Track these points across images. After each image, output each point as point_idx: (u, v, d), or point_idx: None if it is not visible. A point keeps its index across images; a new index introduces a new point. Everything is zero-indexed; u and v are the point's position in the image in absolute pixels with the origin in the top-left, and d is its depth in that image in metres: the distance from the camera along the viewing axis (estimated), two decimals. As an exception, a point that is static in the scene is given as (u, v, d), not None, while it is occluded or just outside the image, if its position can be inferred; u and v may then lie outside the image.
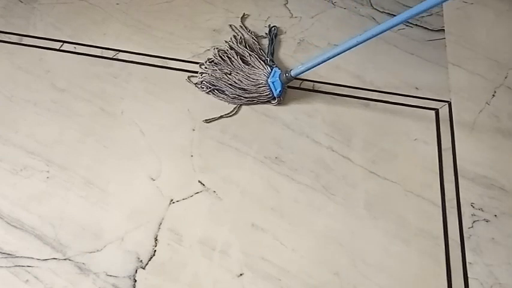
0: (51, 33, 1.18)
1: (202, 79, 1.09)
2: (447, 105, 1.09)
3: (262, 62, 1.10)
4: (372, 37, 0.90)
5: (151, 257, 0.86)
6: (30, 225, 0.89)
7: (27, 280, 0.83)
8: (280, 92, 1.04)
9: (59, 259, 0.85)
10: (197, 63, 1.13)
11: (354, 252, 0.88)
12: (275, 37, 1.17)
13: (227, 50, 1.13)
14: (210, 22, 1.22)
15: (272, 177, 0.96)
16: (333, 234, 0.90)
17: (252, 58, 1.11)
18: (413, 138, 1.03)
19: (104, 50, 1.15)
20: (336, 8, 1.27)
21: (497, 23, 1.25)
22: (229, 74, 1.08)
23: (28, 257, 0.85)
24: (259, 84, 1.05)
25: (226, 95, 1.06)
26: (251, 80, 1.06)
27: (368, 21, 1.24)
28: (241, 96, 1.06)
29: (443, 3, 0.83)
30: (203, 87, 1.08)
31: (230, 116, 1.04)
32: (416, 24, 1.24)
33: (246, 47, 1.14)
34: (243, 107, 1.06)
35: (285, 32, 1.21)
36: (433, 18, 1.25)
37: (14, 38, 1.16)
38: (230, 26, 1.19)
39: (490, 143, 1.03)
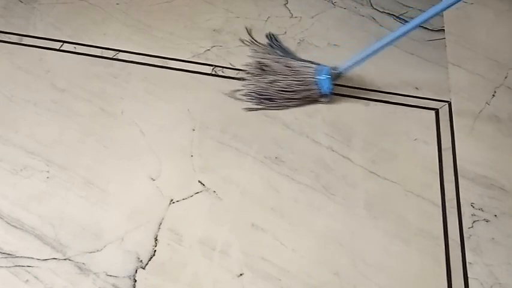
0: (51, 33, 1.18)
1: (249, 90, 1.07)
2: (447, 105, 1.09)
3: (304, 62, 1.09)
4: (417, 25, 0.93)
5: (151, 257, 0.86)
6: (30, 225, 0.89)
7: (27, 280, 0.82)
8: (330, 88, 1.03)
9: (59, 259, 0.85)
10: (197, 63, 1.13)
11: (354, 252, 0.88)
12: (277, 40, 1.17)
13: (260, 60, 1.10)
14: (210, 22, 1.22)
15: (272, 177, 0.96)
16: (333, 234, 0.90)
17: (290, 61, 1.09)
18: (413, 138, 1.03)
19: (104, 50, 1.15)
20: (336, 8, 1.27)
21: (497, 23, 1.25)
22: (275, 82, 1.05)
23: (28, 257, 0.85)
24: (308, 82, 1.04)
25: (276, 102, 1.05)
26: (299, 80, 1.04)
27: (368, 21, 1.24)
28: (292, 99, 1.04)
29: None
30: (252, 99, 1.06)
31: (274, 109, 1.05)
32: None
33: (276, 53, 1.12)
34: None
35: (285, 32, 1.21)
36: (433, 18, 1.25)
37: (14, 38, 1.16)
38: (241, 40, 1.17)
39: (490, 143, 1.03)
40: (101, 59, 1.14)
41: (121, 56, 1.14)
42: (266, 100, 1.05)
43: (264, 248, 0.88)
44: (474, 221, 0.92)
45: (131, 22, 1.21)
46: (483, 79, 1.14)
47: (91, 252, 0.86)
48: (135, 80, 1.10)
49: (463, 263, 0.88)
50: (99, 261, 0.85)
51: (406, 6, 1.28)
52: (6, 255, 0.85)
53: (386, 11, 1.27)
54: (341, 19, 1.24)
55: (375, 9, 1.27)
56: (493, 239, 0.90)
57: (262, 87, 1.06)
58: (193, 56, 1.15)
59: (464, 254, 0.89)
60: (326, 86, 1.02)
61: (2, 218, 0.89)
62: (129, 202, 0.92)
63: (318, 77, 1.03)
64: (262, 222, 0.91)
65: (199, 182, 0.95)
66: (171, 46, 1.16)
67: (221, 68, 1.13)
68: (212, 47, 1.17)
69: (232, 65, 1.13)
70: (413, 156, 1.01)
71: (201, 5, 1.26)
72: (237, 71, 1.12)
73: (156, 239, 0.88)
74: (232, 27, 1.21)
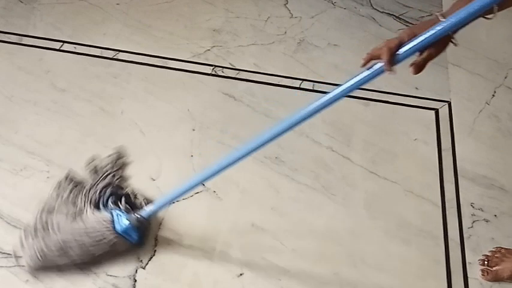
0: (51, 33, 1.18)
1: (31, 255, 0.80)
2: (447, 105, 1.09)
3: (97, 211, 0.84)
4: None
5: (151, 257, 0.86)
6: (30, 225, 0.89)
7: (27, 280, 0.82)
8: (140, 236, 0.84)
9: (59, 259, 0.85)
10: (197, 63, 1.13)
11: (354, 252, 0.88)
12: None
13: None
14: (210, 22, 1.22)
15: (272, 177, 0.96)
16: (333, 234, 0.90)
17: (78, 217, 0.83)
18: (413, 138, 1.03)
19: (103, 50, 1.15)
20: (336, 8, 1.27)
21: (497, 23, 1.25)
22: (64, 247, 0.80)
23: (28, 257, 0.85)
24: (107, 238, 0.81)
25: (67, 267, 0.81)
26: (94, 239, 0.80)
27: (368, 21, 1.24)
28: (88, 261, 0.81)
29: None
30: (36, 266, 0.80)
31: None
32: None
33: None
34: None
35: (285, 32, 1.21)
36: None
37: (14, 38, 1.16)
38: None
39: (490, 143, 1.03)
40: (100, 59, 1.14)
41: (121, 56, 1.14)
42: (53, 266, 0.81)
43: (264, 248, 0.88)
44: (474, 221, 0.93)
45: (131, 22, 1.21)
46: (483, 79, 1.14)
47: (91, 252, 0.86)
48: (135, 80, 1.10)
49: (463, 263, 0.88)
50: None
51: (406, 6, 1.28)
52: (7, 255, 0.85)
53: (386, 11, 1.27)
54: (341, 19, 1.24)
55: (375, 9, 1.27)
56: (492, 239, 0.90)
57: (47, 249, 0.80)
58: (193, 56, 1.15)
59: (464, 254, 0.89)
60: (133, 236, 0.83)
61: (2, 218, 0.89)
62: (129, 202, 0.92)
63: (118, 230, 0.81)
64: (262, 222, 0.91)
65: (199, 182, 0.95)
66: (171, 46, 1.16)
67: (221, 68, 1.13)
68: (212, 47, 1.17)
69: (232, 65, 1.13)
70: (413, 156, 1.01)
71: (201, 5, 1.26)
72: (237, 71, 1.12)
73: (156, 239, 0.88)
74: (232, 27, 1.21)
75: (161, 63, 1.13)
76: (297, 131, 1.03)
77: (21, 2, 1.24)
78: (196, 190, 0.94)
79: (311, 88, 1.10)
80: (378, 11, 1.27)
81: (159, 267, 0.85)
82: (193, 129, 1.03)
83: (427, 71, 1.22)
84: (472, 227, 0.92)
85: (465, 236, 0.91)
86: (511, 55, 1.18)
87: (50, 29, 1.18)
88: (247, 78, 1.12)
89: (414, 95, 1.10)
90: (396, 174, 0.98)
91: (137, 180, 0.95)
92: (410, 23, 1.24)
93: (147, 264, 0.85)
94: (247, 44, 1.18)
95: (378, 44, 0.56)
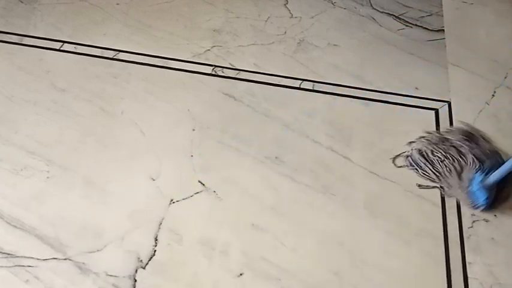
0: (52, 34, 1.18)
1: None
2: (447, 105, 1.09)
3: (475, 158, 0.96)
4: None
5: (151, 257, 0.86)
6: (30, 225, 0.89)
7: (27, 280, 0.83)
8: (485, 199, 0.91)
9: (59, 259, 0.85)
10: (197, 63, 1.14)
11: (354, 252, 0.88)
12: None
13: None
14: (210, 22, 1.22)
15: (272, 177, 0.96)
16: (333, 234, 0.90)
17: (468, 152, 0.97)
18: (413, 138, 1.03)
19: (104, 50, 1.15)
20: (335, 8, 1.27)
21: (497, 23, 1.25)
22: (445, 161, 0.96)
23: (28, 257, 0.85)
24: (463, 188, 0.93)
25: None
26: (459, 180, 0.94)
27: (368, 21, 1.24)
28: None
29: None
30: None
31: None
32: (416, 25, 1.24)
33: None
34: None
35: (285, 32, 1.21)
36: (433, 18, 1.25)
37: (14, 38, 1.17)
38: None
39: (490, 143, 1.03)
40: (101, 59, 1.14)
41: (121, 56, 1.14)
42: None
43: (264, 248, 0.88)
44: (474, 221, 0.92)
45: (131, 22, 1.21)
46: (483, 79, 1.14)
47: (91, 252, 0.86)
48: (135, 80, 1.10)
49: (462, 263, 0.88)
50: (100, 261, 0.85)
51: (406, 6, 1.28)
52: (7, 255, 0.85)
53: (386, 11, 1.27)
54: (341, 19, 1.24)
55: (375, 9, 1.27)
56: (492, 238, 0.90)
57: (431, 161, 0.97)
58: (193, 56, 1.15)
59: (464, 254, 0.89)
60: (480, 198, 0.91)
61: (2, 218, 0.89)
62: (130, 202, 0.92)
63: (470, 188, 0.93)
64: (262, 222, 0.91)
65: (199, 182, 0.95)
66: (171, 46, 1.17)
67: (221, 68, 1.13)
68: (212, 47, 1.17)
69: (232, 65, 1.14)
70: (413, 156, 1.01)
71: (201, 5, 1.26)
72: (237, 71, 1.13)
73: (156, 239, 0.88)
74: (232, 27, 1.21)
75: (161, 63, 1.13)
76: (297, 130, 1.03)
77: (22, 2, 1.24)
78: (196, 190, 0.94)
79: (311, 88, 1.10)
80: (378, 11, 1.27)
81: (159, 267, 0.85)
82: (193, 129, 1.03)
83: (427, 71, 1.22)
84: (472, 227, 0.92)
85: (465, 236, 0.91)
86: (511, 55, 1.18)
87: (50, 29, 1.19)
88: (247, 78, 1.12)
89: (414, 95, 1.10)
90: (396, 174, 0.98)
91: (137, 180, 0.95)
92: (410, 23, 1.24)
93: (147, 264, 0.85)
94: (247, 44, 1.18)
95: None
